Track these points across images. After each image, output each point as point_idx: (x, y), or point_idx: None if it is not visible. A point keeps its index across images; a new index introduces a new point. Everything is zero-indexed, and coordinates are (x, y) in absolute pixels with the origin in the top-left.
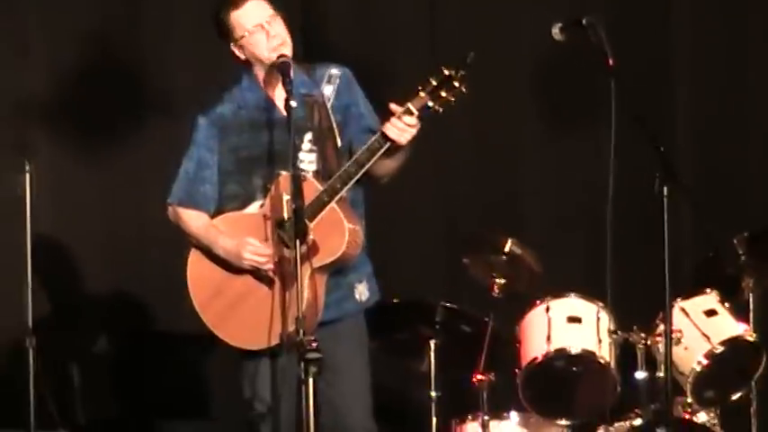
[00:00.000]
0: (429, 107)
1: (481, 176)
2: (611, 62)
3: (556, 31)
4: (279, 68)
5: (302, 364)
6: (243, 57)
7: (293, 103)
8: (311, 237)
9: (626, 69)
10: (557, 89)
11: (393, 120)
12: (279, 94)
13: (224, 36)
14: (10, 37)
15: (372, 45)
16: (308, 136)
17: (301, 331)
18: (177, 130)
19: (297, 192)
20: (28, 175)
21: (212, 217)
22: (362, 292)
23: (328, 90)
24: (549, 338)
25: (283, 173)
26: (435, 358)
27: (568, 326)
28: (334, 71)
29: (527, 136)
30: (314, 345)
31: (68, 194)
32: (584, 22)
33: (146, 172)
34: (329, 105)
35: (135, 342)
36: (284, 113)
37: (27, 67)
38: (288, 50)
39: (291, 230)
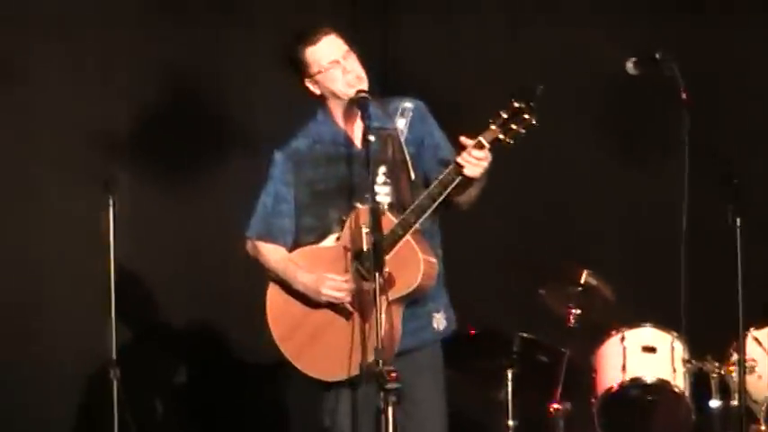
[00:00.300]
0: (500, 140)
1: (556, 207)
2: (684, 96)
3: (630, 66)
4: (358, 104)
5: (382, 394)
6: (318, 92)
7: (372, 138)
8: (386, 269)
9: (699, 99)
10: (633, 119)
11: (464, 153)
12: (353, 128)
13: (298, 71)
14: (93, 71)
15: (450, 77)
16: (383, 169)
17: (380, 362)
18: (257, 164)
19: (376, 225)
20: (111, 210)
21: (290, 250)
22: (440, 321)
23: (401, 123)
24: (624, 368)
25: (360, 206)
26: (513, 388)
27: (643, 355)
28: (407, 104)
29: (601, 167)
30: (393, 375)
31: (150, 227)
32: (657, 56)
33: (226, 205)
34: (402, 138)
35: (216, 372)
36: (359, 147)
37: (110, 101)
38: (364, 86)
39: (369, 263)
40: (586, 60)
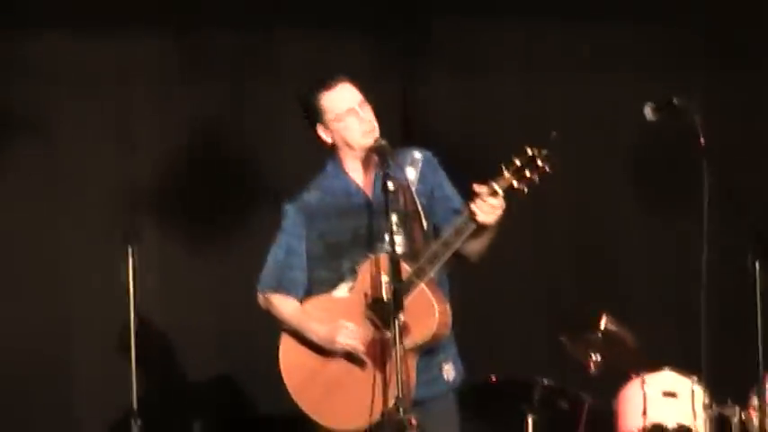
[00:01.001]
0: (514, 187)
1: (580, 253)
2: (702, 142)
3: (647, 111)
4: (377, 151)
5: None
6: (330, 140)
7: (391, 186)
8: (402, 318)
9: (720, 146)
10: (655, 167)
11: (478, 200)
12: (364, 178)
13: (312, 118)
14: (118, 125)
15: (471, 133)
16: (394, 218)
17: (401, 409)
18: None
19: (395, 273)
20: (131, 261)
21: (301, 301)
22: (449, 372)
23: (411, 174)
24: (644, 413)
25: (372, 256)
26: None
27: (664, 400)
28: (417, 155)
29: (624, 214)
30: (413, 422)
31: (174, 280)
32: (675, 101)
33: (250, 258)
34: (413, 189)
35: (237, 425)
36: (370, 197)
37: (134, 155)
38: (377, 134)
39: (383, 312)
40: (610, 105)
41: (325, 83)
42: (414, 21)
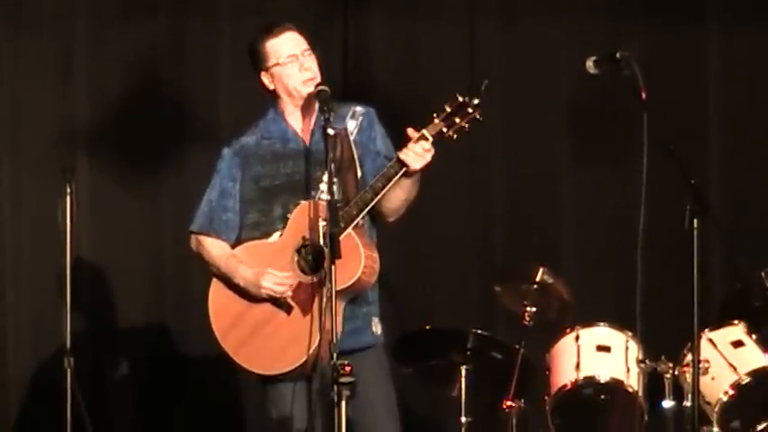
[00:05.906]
0: (444, 134)
1: (516, 206)
2: (643, 95)
3: (590, 65)
4: (318, 97)
5: (335, 388)
6: (272, 86)
7: (331, 131)
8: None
9: (659, 102)
10: (593, 121)
11: (409, 145)
12: (303, 126)
13: (256, 64)
14: (55, 63)
15: (412, 81)
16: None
17: (335, 355)
18: None
19: (333, 218)
20: (69, 199)
21: (233, 246)
22: (377, 324)
23: (351, 125)
24: (578, 366)
25: (302, 201)
26: (466, 384)
27: (597, 354)
28: (359, 109)
29: (563, 167)
30: (347, 369)
31: (109, 219)
32: (617, 55)
33: (186, 200)
34: (351, 139)
35: (171, 365)
36: (306, 144)
37: (72, 93)
38: (318, 82)
39: (310, 257)
40: (550, 58)
41: (271, 29)
42: None
